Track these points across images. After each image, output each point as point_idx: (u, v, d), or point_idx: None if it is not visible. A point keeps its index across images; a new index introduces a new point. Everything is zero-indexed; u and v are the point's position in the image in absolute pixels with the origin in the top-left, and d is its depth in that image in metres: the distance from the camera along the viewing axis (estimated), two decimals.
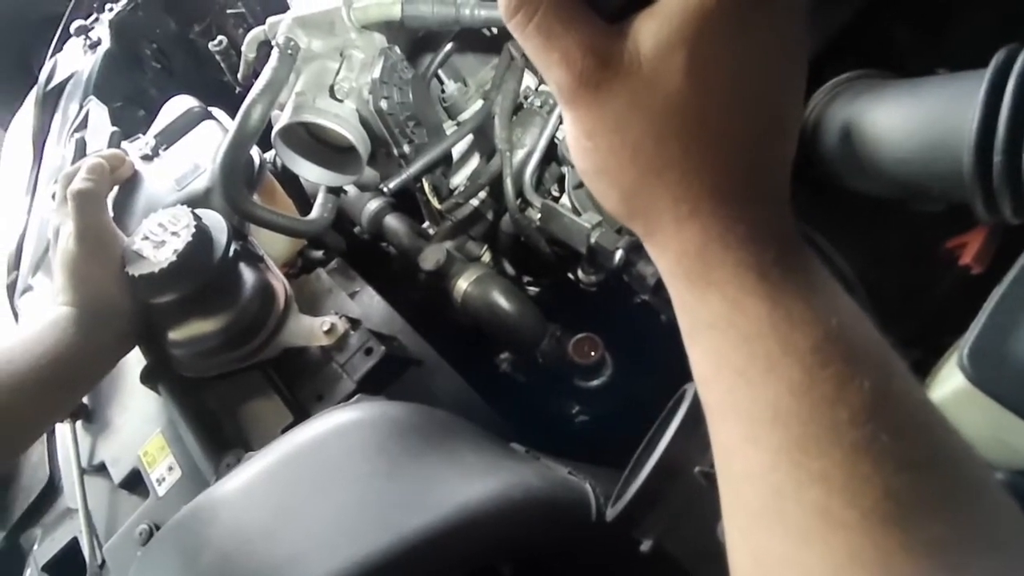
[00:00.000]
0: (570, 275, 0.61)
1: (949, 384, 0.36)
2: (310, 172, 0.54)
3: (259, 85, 0.50)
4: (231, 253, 0.51)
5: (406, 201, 0.67)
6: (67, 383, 0.49)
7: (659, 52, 0.22)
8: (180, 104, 0.68)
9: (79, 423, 0.60)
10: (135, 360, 0.57)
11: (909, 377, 0.23)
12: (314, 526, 0.37)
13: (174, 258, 0.48)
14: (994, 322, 0.33)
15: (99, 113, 0.82)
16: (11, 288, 0.83)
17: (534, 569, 0.41)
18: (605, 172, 0.25)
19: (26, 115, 1.01)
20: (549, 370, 0.60)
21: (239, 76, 0.60)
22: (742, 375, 0.23)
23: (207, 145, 0.63)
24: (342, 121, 0.51)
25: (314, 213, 0.57)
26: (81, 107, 0.88)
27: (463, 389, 0.54)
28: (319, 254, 0.70)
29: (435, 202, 0.55)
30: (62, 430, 0.60)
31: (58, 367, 0.47)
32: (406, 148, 0.54)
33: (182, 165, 0.61)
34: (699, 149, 0.23)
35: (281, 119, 0.51)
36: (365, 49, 0.53)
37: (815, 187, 0.49)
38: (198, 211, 0.51)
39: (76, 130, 0.84)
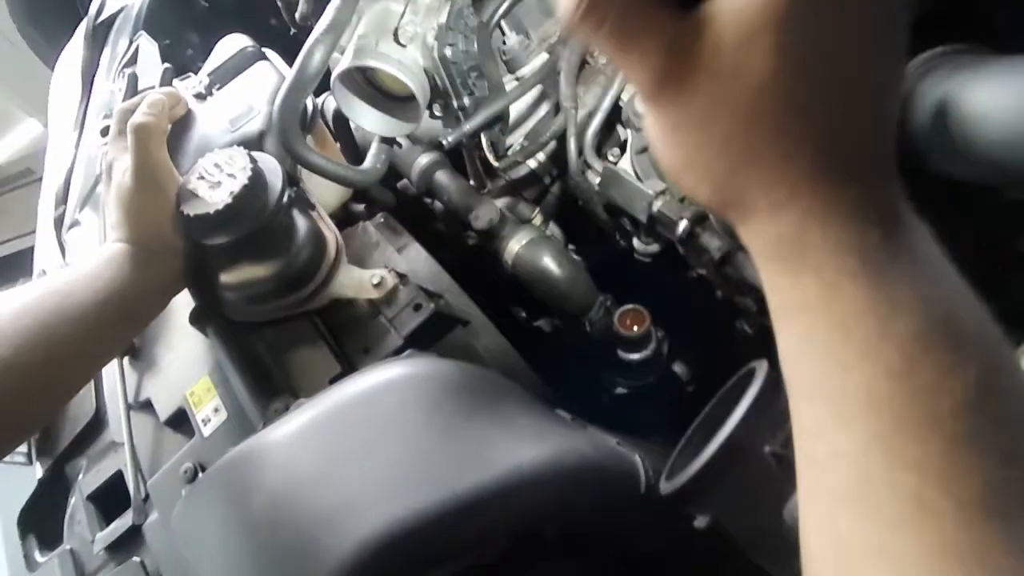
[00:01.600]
0: (623, 243, 0.59)
1: None
2: (367, 119, 0.53)
3: (322, 25, 0.48)
4: (286, 199, 0.51)
5: (455, 160, 0.66)
6: (124, 319, 0.49)
7: (743, 37, 0.21)
8: (234, 43, 0.67)
9: (126, 359, 0.61)
10: (184, 301, 0.57)
11: (1015, 369, 0.21)
12: (367, 476, 0.37)
13: (230, 200, 0.48)
14: None
15: (149, 49, 0.81)
16: (59, 222, 0.84)
17: (578, 538, 0.40)
18: (694, 167, 0.24)
19: (75, 49, 1.00)
20: (592, 339, 0.59)
21: (297, 16, 0.58)
22: (835, 357, 0.22)
23: (261, 86, 0.62)
24: (404, 68, 0.49)
25: (367, 163, 0.56)
26: (131, 42, 0.87)
27: (507, 351, 0.54)
28: (362, 208, 0.69)
29: (492, 159, 0.53)
30: (109, 365, 0.61)
31: (115, 303, 0.47)
32: (466, 100, 0.52)
33: (236, 106, 0.60)
34: (795, 130, 0.22)
35: (341, 63, 0.50)
36: None
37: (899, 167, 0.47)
38: (254, 154, 0.51)
39: (126, 65, 0.84)
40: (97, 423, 0.61)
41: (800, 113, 0.22)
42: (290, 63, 0.50)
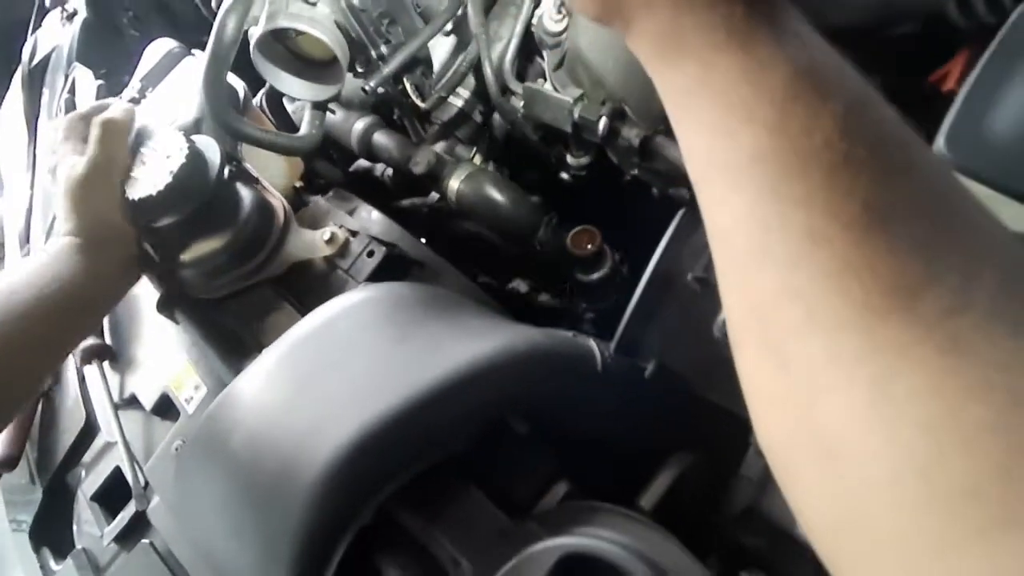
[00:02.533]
0: (562, 170, 0.61)
1: None
2: (292, 86, 0.55)
3: None
4: (226, 173, 0.52)
5: (391, 122, 0.67)
6: (75, 311, 0.50)
7: None
8: (160, 47, 0.69)
9: (106, 364, 0.62)
10: (150, 296, 0.59)
11: (884, 104, 0.23)
12: (331, 394, 0.39)
13: (170, 179, 0.50)
14: (967, 105, 0.33)
15: (85, 76, 0.83)
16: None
17: (545, 423, 0.42)
18: None
19: (14, 95, 1.02)
20: (549, 261, 0.61)
21: (213, 5, 0.60)
22: (721, 127, 0.23)
23: (190, 80, 0.63)
24: (317, 24, 0.51)
25: (303, 129, 0.58)
26: (66, 77, 0.89)
27: (469, 287, 0.55)
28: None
29: (418, 101, 0.55)
30: (92, 373, 0.62)
31: (64, 295, 0.48)
32: (383, 49, 0.54)
33: (169, 102, 0.62)
34: None
35: (256, 29, 0.51)
36: None
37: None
38: (190, 136, 0.52)
39: (64, 98, 0.85)
40: (89, 429, 0.63)
41: None
42: None
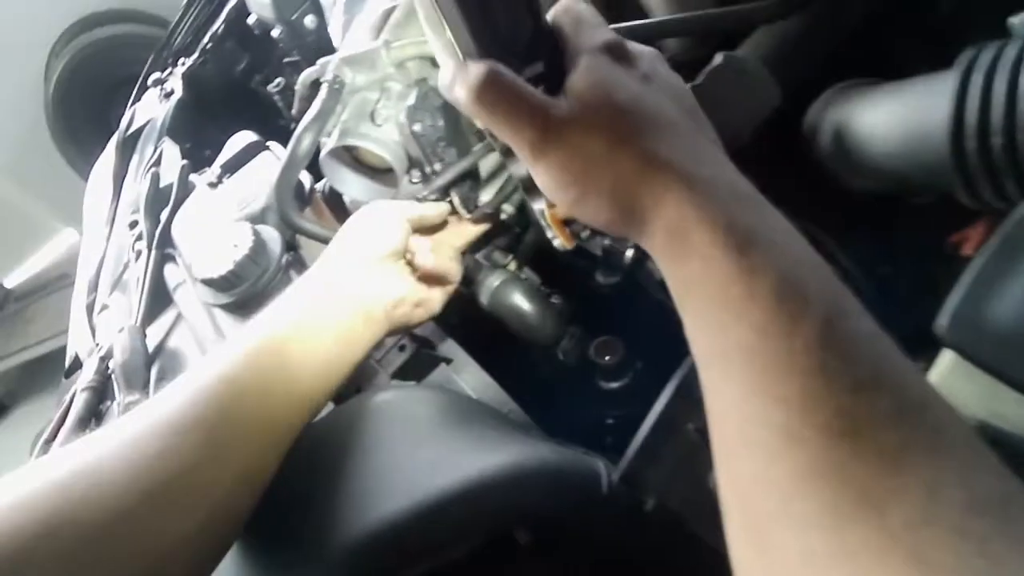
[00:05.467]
0: (592, 283, 0.65)
1: (940, 360, 0.38)
2: (353, 188, 0.61)
3: (309, 116, 0.57)
4: (283, 261, 0.58)
5: None
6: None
7: (589, 91, 0.30)
8: (242, 139, 0.77)
9: None
10: (196, 356, 0.64)
11: (861, 314, 0.26)
12: (343, 491, 0.41)
13: (232, 267, 0.55)
14: (970, 290, 0.35)
15: (172, 150, 0.92)
16: (90, 307, 0.93)
17: (548, 539, 0.44)
18: (586, 192, 0.31)
19: (107, 158, 1.13)
20: (574, 372, 0.63)
21: (293, 111, 0.67)
22: (715, 321, 0.26)
23: (264, 172, 0.71)
24: (380, 143, 0.57)
25: None
26: (156, 148, 0.99)
27: (490, 385, 0.58)
28: None
29: (464, 213, 0.60)
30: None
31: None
32: (437, 166, 0.60)
33: (243, 190, 0.69)
34: (647, 138, 0.29)
35: (328, 143, 0.58)
36: (402, 81, 0.60)
37: (818, 188, 0.53)
38: (256, 227, 0.58)
39: (151, 167, 0.95)
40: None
41: (643, 128, 0.29)
42: None
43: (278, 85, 0.85)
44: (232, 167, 0.74)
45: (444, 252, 0.54)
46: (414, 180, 0.63)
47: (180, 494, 0.34)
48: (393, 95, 0.59)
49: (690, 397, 0.35)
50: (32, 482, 0.32)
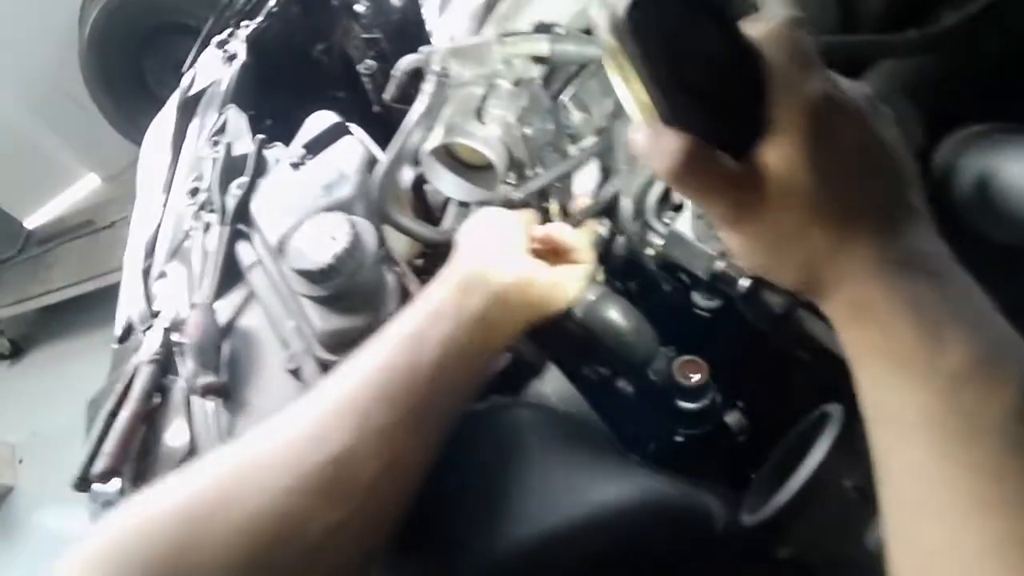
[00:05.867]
0: (687, 304, 0.64)
1: None
2: (452, 187, 0.59)
3: (419, 110, 0.55)
4: (379, 257, 0.57)
5: None
6: None
7: (785, 170, 0.29)
8: (322, 119, 0.75)
9: (220, 401, 0.66)
10: (276, 345, 0.63)
11: None
12: (467, 510, 0.41)
13: (332, 260, 0.54)
14: None
15: (239, 120, 0.90)
16: (146, 273, 0.92)
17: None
18: (776, 266, 0.32)
19: (166, 119, 1.11)
20: (654, 387, 0.62)
21: (386, 96, 0.65)
22: (895, 387, 0.27)
23: (349, 157, 0.69)
24: (488, 143, 0.55)
25: (446, 224, 0.62)
26: (220, 114, 0.97)
27: (575, 398, 0.58)
28: (420, 262, 0.75)
29: (559, 215, 0.59)
30: (202, 406, 0.66)
31: None
32: (539, 170, 0.58)
33: (327, 174, 0.67)
34: (840, 215, 0.29)
35: (432, 139, 0.56)
36: (511, 78, 0.58)
37: (947, 234, 0.51)
38: (352, 218, 0.57)
39: (215, 134, 0.93)
40: (188, 459, 0.66)
41: (837, 202, 0.29)
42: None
43: (369, 68, 0.83)
44: (314, 148, 0.72)
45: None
46: (510, 181, 0.61)
47: (331, 481, 0.36)
48: (503, 93, 0.57)
49: (845, 451, 0.34)
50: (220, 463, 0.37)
